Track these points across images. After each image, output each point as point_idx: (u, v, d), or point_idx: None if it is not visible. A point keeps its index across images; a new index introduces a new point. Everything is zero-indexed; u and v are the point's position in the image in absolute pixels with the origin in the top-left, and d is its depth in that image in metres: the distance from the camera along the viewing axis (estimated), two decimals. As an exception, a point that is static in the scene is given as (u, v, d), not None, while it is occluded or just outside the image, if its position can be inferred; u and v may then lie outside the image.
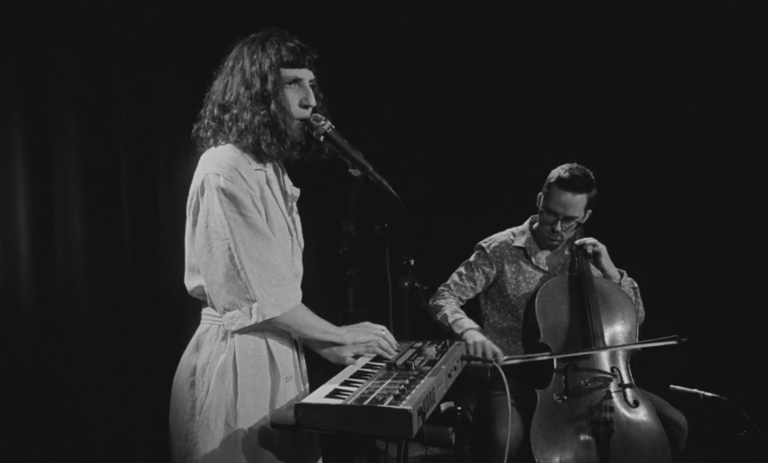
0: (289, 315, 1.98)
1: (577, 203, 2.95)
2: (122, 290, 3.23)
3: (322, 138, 2.03)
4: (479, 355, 2.74)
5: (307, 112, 2.03)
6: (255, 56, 1.99)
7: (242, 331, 1.97)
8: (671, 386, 2.68)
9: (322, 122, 2.03)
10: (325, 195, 3.01)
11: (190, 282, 2.07)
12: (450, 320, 2.96)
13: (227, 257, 1.91)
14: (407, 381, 1.81)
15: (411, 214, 2.16)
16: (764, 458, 2.49)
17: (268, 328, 2.01)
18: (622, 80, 4.27)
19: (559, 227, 2.99)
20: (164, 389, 2.10)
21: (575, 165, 2.99)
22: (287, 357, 2.08)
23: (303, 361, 2.19)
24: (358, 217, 2.55)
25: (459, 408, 2.77)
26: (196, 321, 2.10)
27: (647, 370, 3.00)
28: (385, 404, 1.63)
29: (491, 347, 2.77)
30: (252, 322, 1.92)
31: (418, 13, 4.24)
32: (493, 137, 4.35)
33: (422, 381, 1.82)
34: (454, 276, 3.19)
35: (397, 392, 1.70)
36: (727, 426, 2.56)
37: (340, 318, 2.17)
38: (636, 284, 3.14)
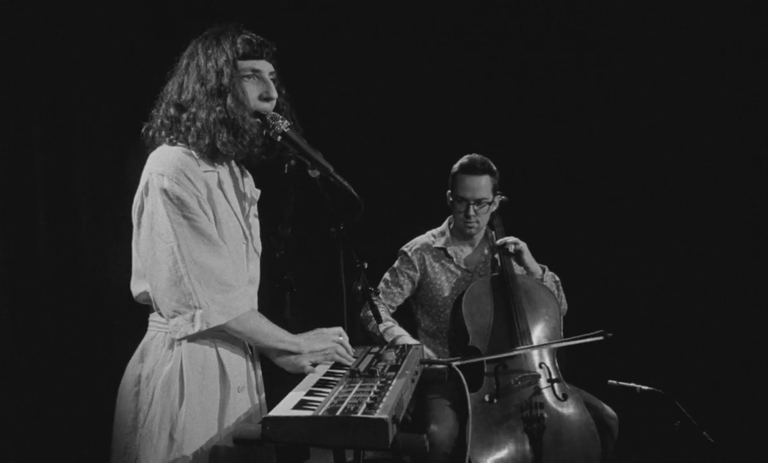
0: (239, 322, 1.90)
1: (483, 185, 3.05)
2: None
3: (279, 138, 1.95)
4: None
5: (268, 105, 1.94)
6: (210, 51, 1.90)
7: (189, 338, 1.86)
8: (609, 381, 2.79)
9: (279, 121, 1.95)
10: (261, 197, 2.92)
11: (136, 287, 1.96)
12: (381, 329, 2.94)
13: (171, 261, 1.82)
14: (376, 388, 1.76)
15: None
16: (698, 447, 2.62)
17: (218, 335, 1.92)
18: (536, 80, 4.46)
19: (472, 212, 3.07)
20: (109, 402, 1.96)
21: (472, 154, 3.12)
22: (239, 366, 1.99)
23: (258, 370, 2.10)
24: (294, 220, 2.46)
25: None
26: (143, 328, 1.97)
27: (582, 367, 3.09)
28: (359, 414, 1.57)
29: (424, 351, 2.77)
30: (195, 330, 1.83)
31: (352, 14, 4.21)
32: (434, 139, 4.38)
33: (391, 388, 1.77)
34: (381, 284, 3.20)
35: (369, 400, 1.65)
36: (663, 418, 2.68)
37: (277, 324, 2.08)
38: (557, 278, 3.23)
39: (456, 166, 3.12)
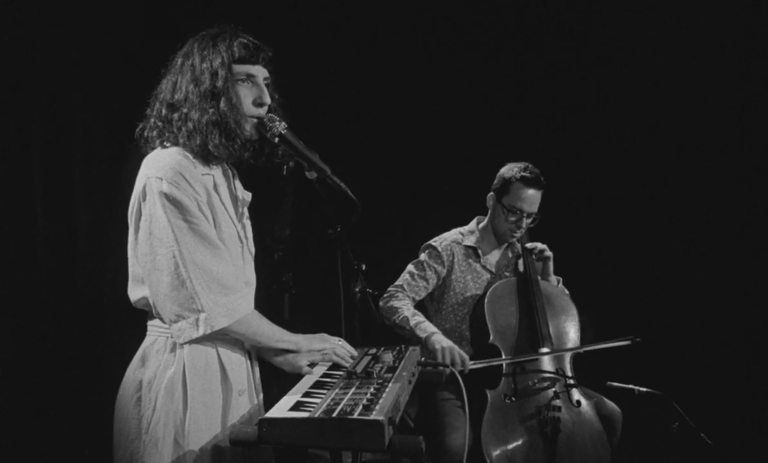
0: (242, 323, 1.90)
1: (539, 199, 3.05)
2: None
3: (276, 139, 1.94)
4: (447, 361, 2.71)
5: (261, 111, 1.94)
6: (205, 53, 1.88)
7: (191, 342, 1.86)
8: (608, 382, 2.79)
9: (277, 123, 1.94)
10: (258, 199, 2.92)
11: (134, 293, 1.94)
12: (411, 323, 2.91)
13: (172, 266, 1.80)
14: (372, 390, 1.76)
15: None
16: (696, 449, 2.62)
17: (219, 338, 1.91)
18: (536, 80, 4.46)
19: (524, 224, 3.05)
20: (107, 408, 1.95)
21: (527, 164, 3.07)
22: (240, 369, 1.99)
23: (257, 371, 2.09)
24: (292, 222, 2.45)
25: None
26: (140, 333, 1.96)
27: (581, 368, 3.09)
28: (356, 415, 1.57)
29: (459, 352, 2.77)
30: (200, 333, 1.82)
31: (352, 14, 4.21)
32: (432, 140, 4.38)
33: (387, 389, 1.77)
34: (406, 276, 3.13)
35: (365, 401, 1.65)
36: (661, 420, 2.68)
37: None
38: (567, 291, 3.24)
39: (516, 175, 3.03)
